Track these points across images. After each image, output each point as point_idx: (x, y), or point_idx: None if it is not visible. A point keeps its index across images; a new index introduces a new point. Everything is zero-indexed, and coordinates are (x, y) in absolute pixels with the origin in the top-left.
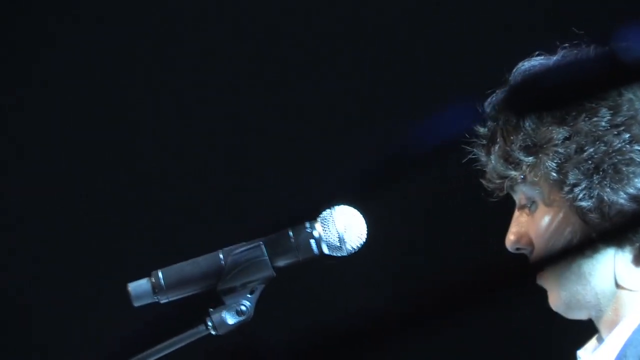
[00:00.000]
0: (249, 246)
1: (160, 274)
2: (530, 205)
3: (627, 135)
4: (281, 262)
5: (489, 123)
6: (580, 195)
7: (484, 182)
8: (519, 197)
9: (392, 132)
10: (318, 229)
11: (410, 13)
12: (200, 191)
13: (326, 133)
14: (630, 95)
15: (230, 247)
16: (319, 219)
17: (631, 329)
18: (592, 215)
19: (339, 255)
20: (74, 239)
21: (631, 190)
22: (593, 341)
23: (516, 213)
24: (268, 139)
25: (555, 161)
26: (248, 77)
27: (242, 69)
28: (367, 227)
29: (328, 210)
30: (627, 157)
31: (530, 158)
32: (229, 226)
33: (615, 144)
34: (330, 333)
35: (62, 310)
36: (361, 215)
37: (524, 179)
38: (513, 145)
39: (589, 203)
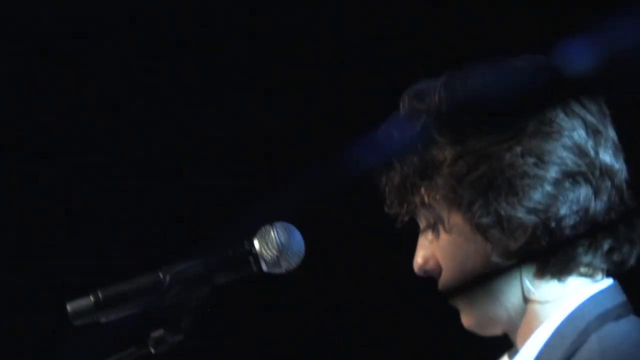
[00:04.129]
0: (188, 264)
1: (99, 293)
2: (434, 228)
3: (519, 149)
4: (220, 280)
5: (384, 147)
6: (478, 213)
7: (386, 209)
8: (421, 220)
9: (331, 149)
10: (256, 246)
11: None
12: (143, 209)
13: (264, 153)
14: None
15: (170, 265)
16: (257, 235)
17: (545, 337)
18: (493, 232)
19: (277, 272)
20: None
21: (528, 203)
22: (507, 355)
23: (421, 237)
24: (208, 155)
25: (449, 182)
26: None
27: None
28: (305, 244)
29: (266, 227)
30: (520, 170)
31: (426, 181)
32: (169, 245)
33: (506, 158)
34: None
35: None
36: (299, 232)
37: (423, 203)
38: (408, 169)
39: (488, 219)
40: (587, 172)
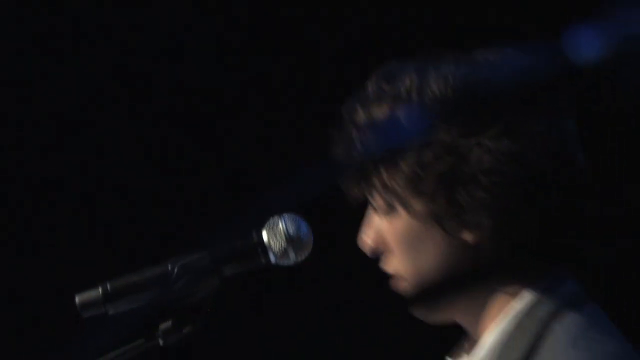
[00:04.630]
0: (196, 256)
1: (108, 285)
2: (391, 210)
3: (489, 145)
4: (228, 271)
5: (348, 125)
6: (439, 203)
7: (342, 185)
8: (374, 199)
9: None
10: (264, 237)
11: None
12: (151, 201)
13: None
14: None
15: (178, 257)
16: (265, 227)
17: (504, 328)
18: (452, 224)
19: (285, 264)
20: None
21: (489, 200)
22: (465, 346)
23: (372, 215)
24: (215, 147)
25: (414, 169)
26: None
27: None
28: (314, 236)
29: (275, 218)
30: (487, 167)
31: (390, 165)
32: (177, 237)
33: (475, 153)
34: None
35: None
36: (307, 224)
37: (385, 185)
38: (371, 152)
39: (448, 210)
40: (554, 178)
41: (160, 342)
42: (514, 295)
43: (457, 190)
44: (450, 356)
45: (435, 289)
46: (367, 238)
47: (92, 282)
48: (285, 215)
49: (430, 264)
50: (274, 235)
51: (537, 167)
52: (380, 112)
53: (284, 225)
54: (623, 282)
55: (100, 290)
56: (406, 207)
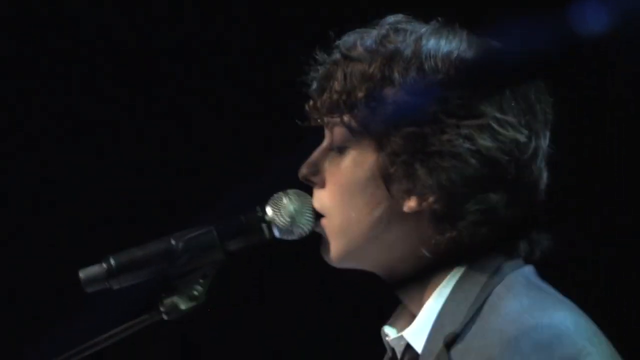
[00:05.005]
0: (200, 231)
1: (111, 260)
2: (341, 150)
3: (464, 131)
4: (233, 246)
5: (337, 54)
6: (395, 162)
7: (307, 106)
8: (333, 135)
9: None
10: (269, 213)
11: None
12: (154, 177)
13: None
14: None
15: (182, 231)
16: (269, 202)
17: (443, 298)
18: (397, 186)
19: (290, 238)
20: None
21: (441, 178)
22: (403, 315)
23: (321, 149)
24: (220, 125)
25: (387, 121)
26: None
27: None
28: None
29: (279, 194)
30: (454, 150)
31: (366, 109)
32: (180, 212)
33: (448, 132)
34: None
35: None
36: (311, 199)
37: (349, 124)
38: (355, 90)
39: (399, 172)
40: (511, 180)
41: (165, 317)
42: (451, 269)
43: (418, 159)
44: (390, 325)
45: (362, 236)
46: (305, 168)
47: (94, 257)
48: (290, 191)
49: (360, 216)
50: (278, 210)
51: (499, 170)
52: (377, 59)
53: (288, 201)
54: (623, 282)
55: (104, 265)
56: (362, 154)
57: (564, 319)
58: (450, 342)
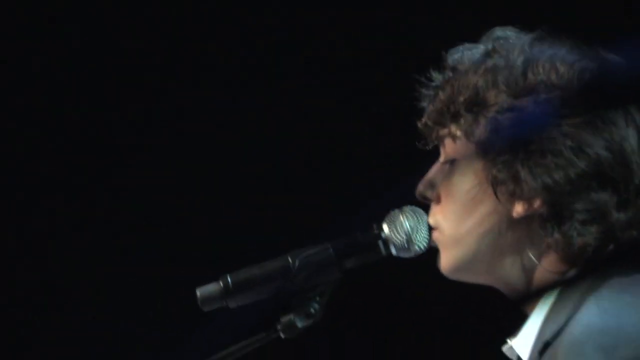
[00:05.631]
0: (317, 249)
1: (229, 278)
2: (452, 163)
3: (566, 130)
4: (349, 264)
5: (446, 71)
6: (500, 166)
7: (419, 124)
8: (445, 149)
9: None
10: (385, 230)
11: None
12: (268, 195)
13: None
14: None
15: (299, 250)
16: (386, 220)
17: (547, 306)
18: (502, 189)
19: (406, 256)
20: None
21: (547, 180)
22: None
23: (436, 166)
24: (335, 142)
25: (490, 126)
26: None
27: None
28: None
29: (395, 211)
30: (557, 148)
31: (469, 115)
32: (298, 230)
33: (550, 132)
34: None
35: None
36: (427, 216)
37: (454, 135)
38: (459, 96)
39: (505, 176)
40: (619, 183)
41: (282, 335)
42: (558, 273)
43: (521, 160)
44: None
45: (477, 248)
46: (421, 184)
47: (211, 276)
48: (406, 208)
49: (471, 225)
50: (394, 227)
51: (604, 168)
52: (480, 68)
53: (404, 218)
54: None
55: (221, 283)
56: (469, 162)
57: (637, 323)
58: (542, 351)
